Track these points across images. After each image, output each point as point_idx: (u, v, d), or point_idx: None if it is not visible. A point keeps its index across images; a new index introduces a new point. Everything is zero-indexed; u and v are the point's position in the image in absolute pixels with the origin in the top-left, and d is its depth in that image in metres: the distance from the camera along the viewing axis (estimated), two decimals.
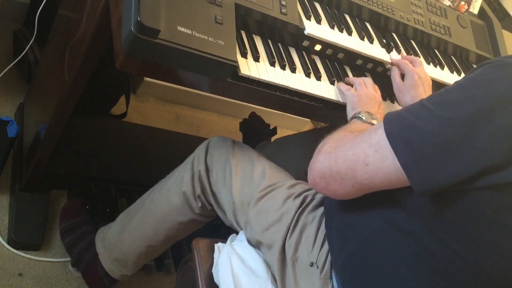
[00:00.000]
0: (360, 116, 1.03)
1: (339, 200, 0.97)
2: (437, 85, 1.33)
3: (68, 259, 1.50)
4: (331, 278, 0.96)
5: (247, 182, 1.14)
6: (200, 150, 1.24)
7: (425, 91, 1.19)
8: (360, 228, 0.91)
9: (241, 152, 1.20)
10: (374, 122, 1.02)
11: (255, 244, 1.10)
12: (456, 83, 0.77)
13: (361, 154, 0.79)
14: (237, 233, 1.18)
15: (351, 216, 0.93)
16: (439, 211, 0.77)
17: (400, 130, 0.76)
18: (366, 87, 1.14)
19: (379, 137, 0.78)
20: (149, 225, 1.30)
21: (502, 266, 0.76)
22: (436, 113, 0.73)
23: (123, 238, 1.34)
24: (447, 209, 0.76)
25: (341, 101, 1.13)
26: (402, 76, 1.23)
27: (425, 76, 1.22)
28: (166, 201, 1.27)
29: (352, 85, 1.17)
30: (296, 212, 1.04)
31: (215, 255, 1.08)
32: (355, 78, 1.18)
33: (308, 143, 1.44)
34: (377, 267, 0.88)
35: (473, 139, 0.69)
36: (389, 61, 1.27)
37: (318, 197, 1.08)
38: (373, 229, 0.88)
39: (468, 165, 0.70)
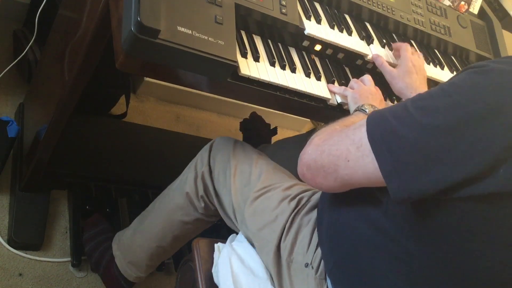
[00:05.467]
0: (364, 108, 1.02)
1: (329, 204, 0.97)
2: (437, 85, 1.33)
3: (68, 259, 1.50)
4: (325, 278, 0.96)
5: (244, 183, 1.15)
6: (203, 151, 1.27)
7: (419, 79, 1.20)
8: (346, 233, 0.91)
9: (241, 152, 1.21)
10: None
11: (251, 244, 1.11)
12: (440, 87, 0.75)
13: (343, 150, 0.80)
14: (237, 233, 1.18)
15: (338, 221, 0.94)
16: (421, 220, 0.77)
17: (382, 133, 0.75)
18: (365, 84, 1.14)
19: (361, 135, 0.78)
20: (157, 226, 1.34)
21: (486, 274, 0.75)
22: (417, 119, 0.72)
23: (136, 239, 1.38)
24: (429, 218, 0.75)
25: (339, 101, 1.13)
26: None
27: (419, 65, 1.23)
28: (171, 202, 1.31)
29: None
30: (290, 214, 1.05)
31: (215, 255, 1.09)
32: (351, 80, 1.17)
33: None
34: (363, 272, 0.88)
35: (452, 149, 0.68)
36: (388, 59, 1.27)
37: (314, 199, 1.09)
38: (359, 234, 0.88)
39: (446, 175, 0.69)
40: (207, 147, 1.27)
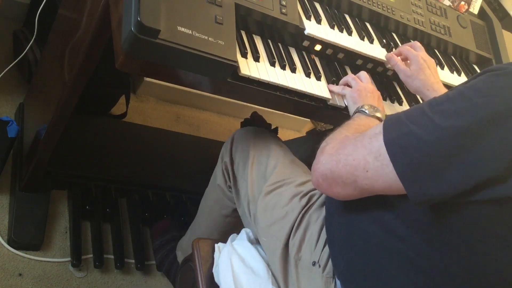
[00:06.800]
0: (364, 109, 1.02)
1: (339, 206, 0.97)
2: None
3: (68, 259, 1.50)
4: (333, 277, 0.96)
5: (260, 175, 1.16)
6: (227, 142, 1.30)
7: (432, 73, 1.19)
8: (357, 235, 0.91)
9: (262, 143, 1.23)
10: (378, 114, 1.01)
11: (259, 239, 1.10)
12: (458, 90, 0.75)
13: (361, 160, 0.79)
14: (237, 232, 1.18)
15: (349, 223, 0.93)
16: (437, 222, 0.76)
17: (399, 138, 0.75)
18: (362, 81, 1.14)
19: (379, 144, 0.77)
20: (204, 225, 1.40)
21: (498, 278, 0.76)
22: (436, 122, 0.71)
23: (192, 240, 1.41)
24: (445, 220, 0.75)
25: (338, 103, 1.13)
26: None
27: (429, 59, 1.22)
28: (209, 198, 1.37)
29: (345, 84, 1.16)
30: (300, 212, 1.04)
31: (216, 255, 1.09)
32: (347, 76, 1.17)
33: (306, 148, 1.45)
34: (375, 273, 0.88)
35: (471, 151, 0.68)
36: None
37: (324, 196, 1.08)
38: (370, 236, 0.88)
39: (465, 178, 0.69)
40: (229, 138, 1.30)
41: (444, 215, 0.75)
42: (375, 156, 0.77)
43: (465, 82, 0.77)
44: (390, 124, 0.78)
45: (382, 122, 0.80)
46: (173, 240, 1.58)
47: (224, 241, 1.13)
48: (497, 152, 0.67)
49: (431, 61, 1.22)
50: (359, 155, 0.79)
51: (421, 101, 1.30)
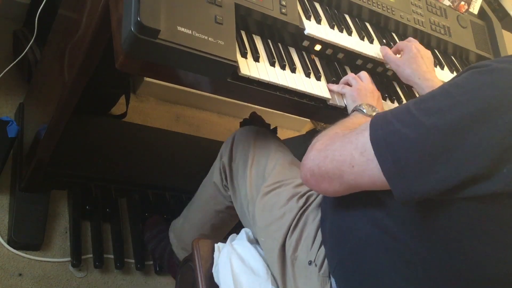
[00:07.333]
0: (361, 108, 1.02)
1: (332, 204, 0.97)
2: None
3: (68, 259, 1.50)
4: (329, 276, 0.96)
5: (259, 175, 1.16)
6: (227, 142, 1.31)
7: (425, 63, 1.19)
8: (349, 233, 0.91)
9: (262, 143, 1.23)
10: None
11: (257, 240, 1.11)
12: (442, 88, 0.75)
13: (347, 156, 0.79)
14: (237, 233, 1.18)
15: (341, 221, 0.94)
16: (425, 219, 0.77)
17: (384, 136, 0.75)
18: (362, 80, 1.14)
19: (365, 140, 0.77)
20: (197, 216, 1.41)
21: (488, 272, 0.76)
22: (421, 120, 0.71)
23: (184, 227, 1.47)
24: (432, 218, 0.75)
25: (338, 103, 1.13)
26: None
27: (423, 49, 1.22)
28: (204, 192, 1.39)
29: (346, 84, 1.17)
30: (298, 212, 1.05)
31: (215, 255, 1.09)
32: (348, 75, 1.17)
33: (305, 147, 1.45)
34: (367, 271, 0.88)
35: (456, 149, 0.68)
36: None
37: (321, 197, 1.08)
38: (362, 234, 0.88)
39: (450, 175, 0.68)
40: (230, 137, 1.30)
41: (432, 213, 0.75)
42: (360, 151, 0.77)
43: (451, 80, 0.76)
44: (377, 122, 0.78)
45: (365, 116, 0.80)
46: (164, 230, 1.60)
47: (224, 240, 1.13)
48: (481, 148, 0.67)
49: (426, 51, 1.22)
50: (346, 151, 0.80)
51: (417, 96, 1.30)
